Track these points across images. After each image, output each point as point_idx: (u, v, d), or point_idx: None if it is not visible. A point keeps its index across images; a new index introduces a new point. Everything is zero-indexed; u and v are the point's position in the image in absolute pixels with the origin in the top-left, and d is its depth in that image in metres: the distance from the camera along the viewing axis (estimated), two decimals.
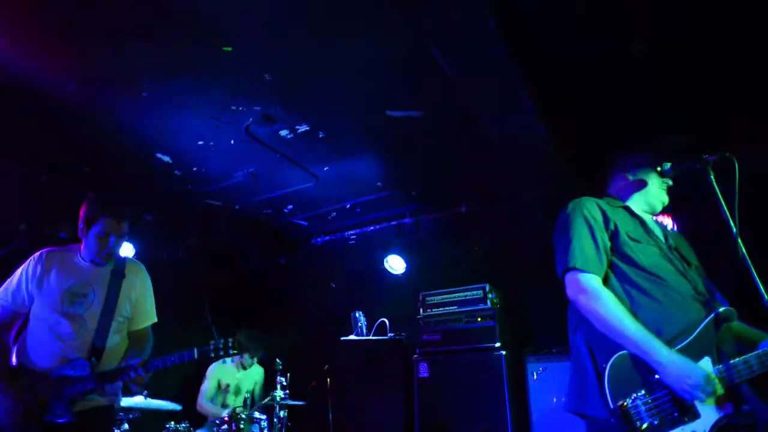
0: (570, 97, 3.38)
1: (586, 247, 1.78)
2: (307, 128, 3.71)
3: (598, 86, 3.26)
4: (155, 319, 2.65)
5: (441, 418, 3.89)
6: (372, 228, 5.33)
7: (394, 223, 5.19)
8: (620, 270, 1.80)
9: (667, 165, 1.90)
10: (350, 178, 4.50)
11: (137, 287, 2.59)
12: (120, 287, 2.49)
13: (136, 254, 4.88)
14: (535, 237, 4.70)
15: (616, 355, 1.62)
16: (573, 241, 1.81)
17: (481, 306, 4.10)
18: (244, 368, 4.67)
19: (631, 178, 2.06)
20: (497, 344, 3.92)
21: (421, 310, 4.31)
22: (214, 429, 3.52)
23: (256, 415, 3.60)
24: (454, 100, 3.34)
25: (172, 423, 3.44)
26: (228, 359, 4.66)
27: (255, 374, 4.66)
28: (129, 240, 4.80)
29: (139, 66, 3.06)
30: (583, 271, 1.75)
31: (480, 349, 3.96)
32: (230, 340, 2.33)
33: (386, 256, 5.17)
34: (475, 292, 4.17)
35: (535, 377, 3.87)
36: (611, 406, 1.56)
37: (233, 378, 4.62)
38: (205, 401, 4.38)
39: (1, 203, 3.93)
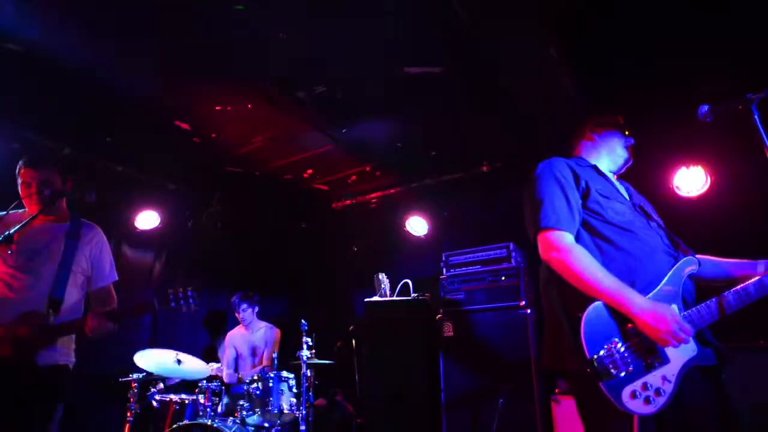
0: (598, 44, 3.21)
1: (557, 205, 1.82)
2: (324, 89, 3.64)
3: (629, 31, 3.08)
4: (116, 278, 2.69)
5: (466, 376, 3.92)
6: (393, 190, 5.28)
7: (414, 184, 5.13)
8: (591, 226, 1.85)
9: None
10: (369, 140, 4.43)
11: (93, 245, 2.63)
12: (77, 244, 2.54)
13: (160, 223, 4.97)
14: None
15: (590, 307, 1.65)
16: (545, 201, 1.84)
17: (506, 265, 4.05)
18: (246, 328, 4.79)
19: (597, 138, 2.14)
20: (523, 302, 3.89)
21: (445, 270, 4.29)
22: (244, 387, 3.62)
23: (284, 374, 3.69)
24: (475, 53, 3.21)
25: (204, 382, 3.54)
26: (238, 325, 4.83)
27: (265, 333, 4.76)
28: (150, 208, 4.89)
29: (151, 31, 3.02)
30: (555, 229, 1.79)
31: (505, 308, 3.93)
32: (189, 289, 2.43)
33: (408, 218, 5.14)
34: (499, 251, 4.12)
35: None
36: (588, 356, 1.59)
37: (245, 341, 4.74)
38: (226, 369, 4.50)
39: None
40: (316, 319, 4.10)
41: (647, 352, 1.61)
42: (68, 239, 2.54)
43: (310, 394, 3.73)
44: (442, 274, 4.29)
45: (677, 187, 4.02)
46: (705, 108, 1.80)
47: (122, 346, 4.11)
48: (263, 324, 4.81)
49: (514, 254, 4.07)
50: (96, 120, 3.97)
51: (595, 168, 2.05)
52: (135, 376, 3.64)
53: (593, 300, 1.66)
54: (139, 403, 3.58)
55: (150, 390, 3.64)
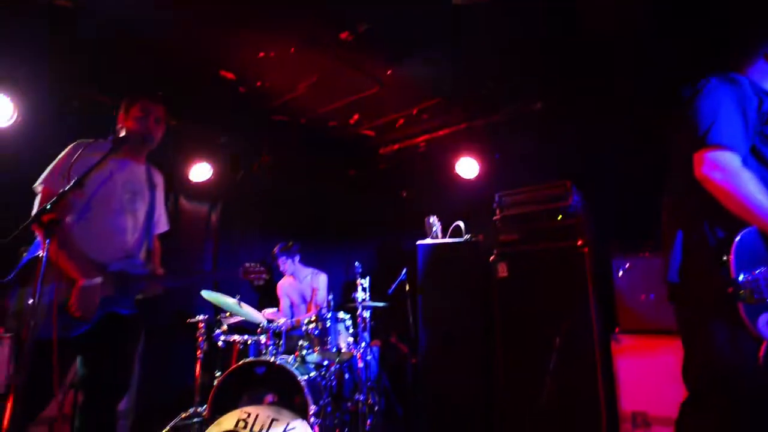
0: None
1: (734, 122, 1.69)
2: (368, 27, 3.49)
3: None
4: (168, 227, 2.58)
5: (521, 317, 3.88)
6: (441, 132, 5.13)
7: (464, 125, 4.96)
8: (763, 155, 1.73)
9: None
10: (416, 81, 4.28)
11: (160, 190, 2.52)
12: (155, 189, 2.45)
13: (213, 175, 5.08)
14: (622, 131, 4.33)
15: (745, 230, 1.63)
16: (718, 116, 1.69)
17: (562, 204, 3.90)
18: (293, 277, 4.92)
19: None
20: (579, 242, 3.76)
21: (498, 211, 4.18)
22: (302, 328, 3.76)
23: (340, 315, 3.79)
24: None
25: (265, 323, 3.71)
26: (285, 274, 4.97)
27: (312, 279, 4.87)
28: (203, 160, 5.00)
29: None
30: (726, 148, 1.66)
31: (561, 248, 3.82)
32: (261, 265, 2.60)
33: (458, 160, 5.02)
34: (555, 190, 3.96)
35: (620, 274, 3.72)
36: (733, 276, 1.59)
37: (294, 289, 4.90)
38: (283, 318, 4.66)
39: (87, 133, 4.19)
40: (369, 263, 4.16)
41: None
42: (149, 181, 2.43)
43: (366, 334, 3.83)
44: (496, 215, 4.19)
45: None
46: None
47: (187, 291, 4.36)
48: (309, 270, 4.93)
49: (571, 193, 3.90)
50: (144, 75, 4.03)
51: None
52: (200, 317, 3.86)
53: (746, 224, 1.63)
54: (207, 342, 3.82)
55: (215, 331, 3.86)
